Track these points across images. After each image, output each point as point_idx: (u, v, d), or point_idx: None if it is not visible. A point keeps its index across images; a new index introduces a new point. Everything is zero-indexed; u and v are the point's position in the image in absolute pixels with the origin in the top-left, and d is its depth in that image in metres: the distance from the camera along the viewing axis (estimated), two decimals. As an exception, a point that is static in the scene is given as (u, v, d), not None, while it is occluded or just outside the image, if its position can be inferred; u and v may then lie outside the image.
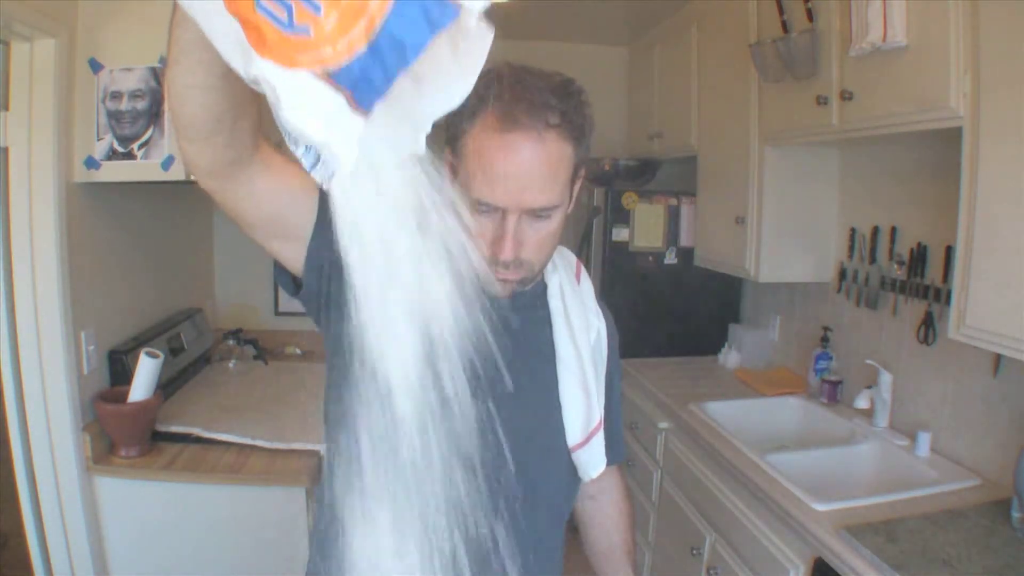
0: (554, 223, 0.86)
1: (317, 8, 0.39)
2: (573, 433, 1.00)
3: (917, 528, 1.47)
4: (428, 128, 0.47)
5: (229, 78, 0.58)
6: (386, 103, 0.44)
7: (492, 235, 0.83)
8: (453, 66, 0.45)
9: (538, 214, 0.84)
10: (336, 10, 0.39)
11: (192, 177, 0.71)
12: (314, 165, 0.47)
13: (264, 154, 0.74)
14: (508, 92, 0.79)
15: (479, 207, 0.83)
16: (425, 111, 0.47)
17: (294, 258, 0.86)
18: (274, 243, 0.85)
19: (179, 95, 0.60)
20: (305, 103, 0.42)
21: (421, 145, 0.48)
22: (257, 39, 0.41)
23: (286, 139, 0.47)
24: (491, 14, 0.44)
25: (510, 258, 0.84)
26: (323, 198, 0.83)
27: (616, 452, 1.10)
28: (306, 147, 0.46)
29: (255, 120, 0.68)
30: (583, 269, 1.07)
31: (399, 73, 0.42)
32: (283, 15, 0.40)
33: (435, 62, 0.43)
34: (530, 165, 0.80)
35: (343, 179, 0.47)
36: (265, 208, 0.79)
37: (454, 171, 0.86)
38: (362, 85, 0.42)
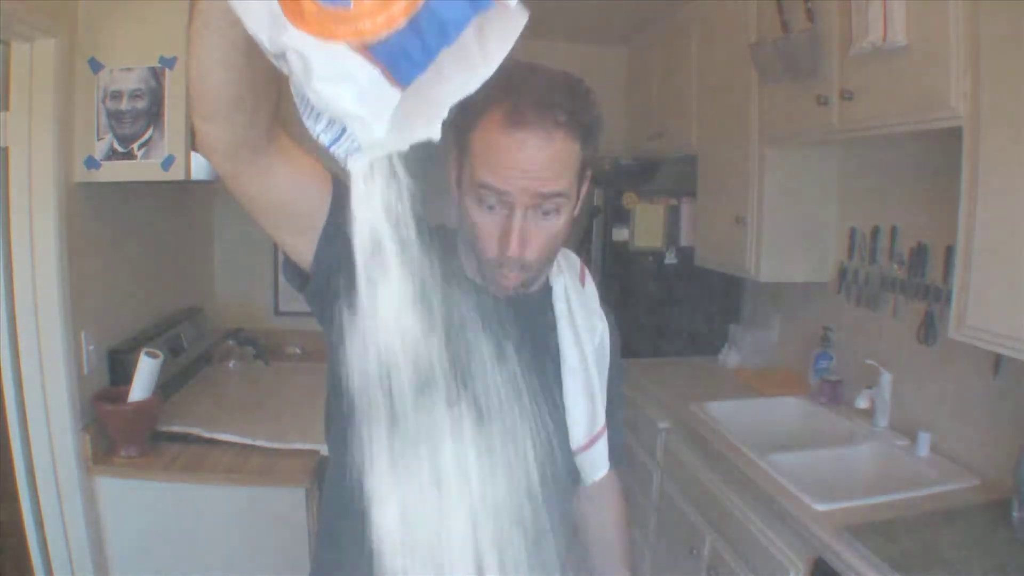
0: (560, 221, 0.86)
1: None
2: (576, 436, 1.00)
3: (917, 528, 1.47)
4: (444, 114, 0.47)
5: (251, 56, 0.58)
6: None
7: (499, 231, 0.84)
8: (477, 50, 0.44)
9: (545, 209, 0.83)
10: None
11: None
12: (335, 140, 0.46)
13: (282, 141, 0.74)
14: (516, 89, 0.79)
15: (486, 199, 0.83)
16: (443, 95, 0.46)
17: (304, 250, 0.86)
18: (285, 233, 0.85)
19: (199, 71, 0.60)
20: (339, 74, 0.42)
21: (437, 131, 0.47)
22: (294, 10, 0.41)
23: (304, 115, 0.46)
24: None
25: (516, 254, 0.84)
26: (337, 190, 0.83)
27: (616, 455, 1.10)
28: (328, 122, 0.46)
29: (275, 104, 0.68)
30: (587, 272, 1.07)
31: (440, 50, 0.42)
32: None
33: (458, 46, 0.42)
34: (537, 159, 0.80)
35: (365, 156, 0.46)
36: (280, 196, 0.78)
37: (460, 167, 0.86)
38: (400, 59, 0.42)
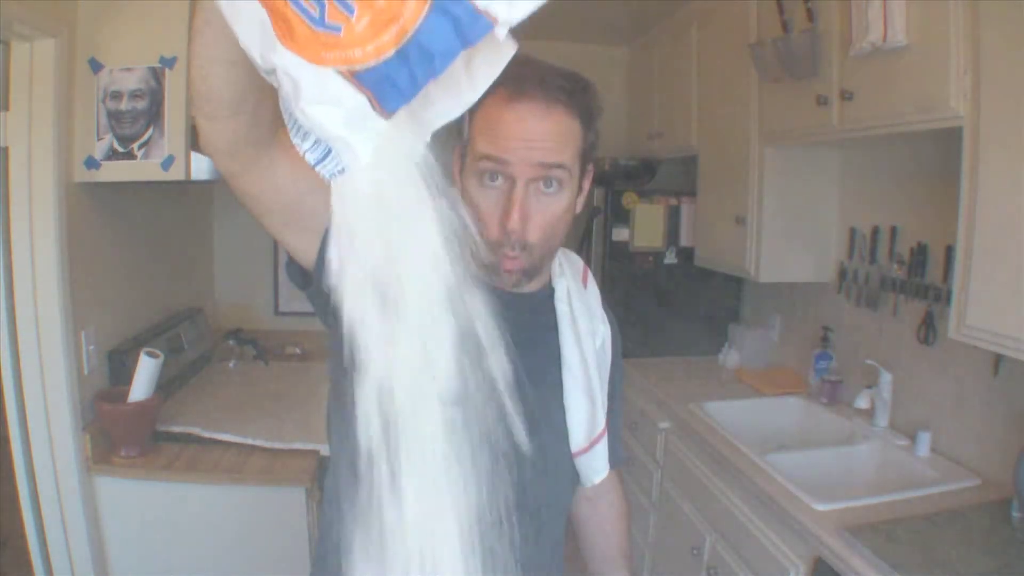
0: (562, 202, 0.87)
1: (350, 9, 0.39)
2: (576, 439, 0.99)
3: (917, 528, 1.47)
4: (427, 137, 0.48)
5: None
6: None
7: (500, 209, 0.84)
8: (464, 77, 0.45)
9: (546, 182, 0.84)
10: (369, 13, 0.39)
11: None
12: (320, 160, 0.47)
13: (285, 140, 0.74)
14: (517, 70, 0.80)
15: (487, 174, 0.84)
16: (426, 119, 0.47)
17: (307, 250, 0.85)
18: (288, 233, 0.84)
19: (201, 69, 0.59)
20: (327, 98, 0.42)
21: (419, 153, 0.48)
22: (285, 31, 0.41)
23: (291, 132, 0.47)
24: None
25: (517, 230, 0.84)
26: None
27: (616, 456, 1.10)
28: (314, 141, 0.46)
29: (277, 102, 0.68)
30: (589, 273, 1.07)
31: (427, 81, 0.42)
32: (315, 11, 0.40)
33: (446, 73, 0.43)
34: (537, 130, 0.82)
35: (350, 177, 0.47)
36: (283, 195, 0.78)
37: (462, 155, 0.87)
38: (387, 89, 0.42)
